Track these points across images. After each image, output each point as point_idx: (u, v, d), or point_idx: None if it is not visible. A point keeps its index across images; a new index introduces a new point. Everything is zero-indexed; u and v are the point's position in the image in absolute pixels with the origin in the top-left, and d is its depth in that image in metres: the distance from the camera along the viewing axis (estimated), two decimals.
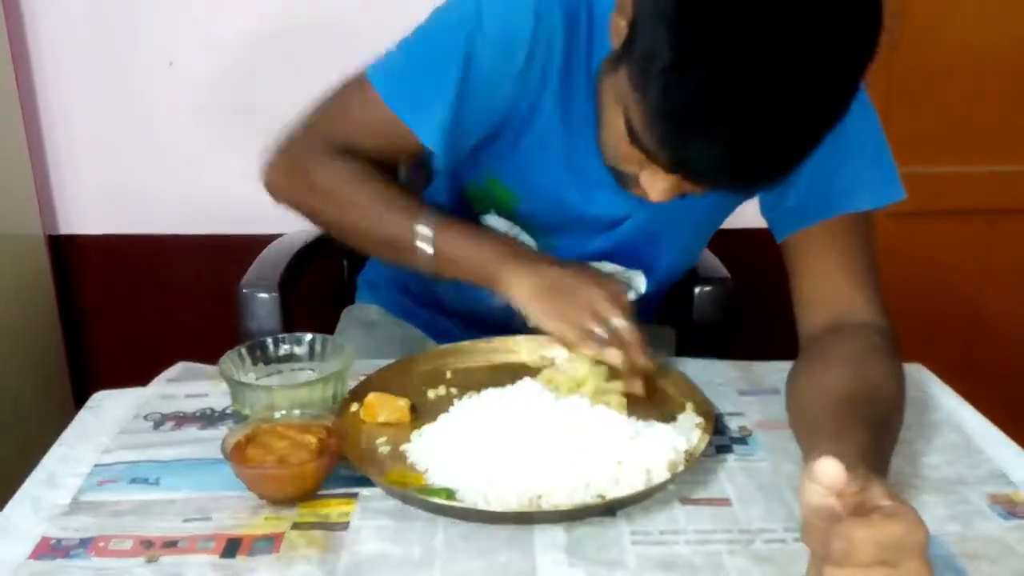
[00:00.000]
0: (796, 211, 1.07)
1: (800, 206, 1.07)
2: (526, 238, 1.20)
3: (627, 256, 1.21)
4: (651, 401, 1.01)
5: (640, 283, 1.23)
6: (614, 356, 0.99)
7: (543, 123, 1.08)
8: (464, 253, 1.06)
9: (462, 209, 1.22)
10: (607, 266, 1.22)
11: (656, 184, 0.93)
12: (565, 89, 1.05)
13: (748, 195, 0.92)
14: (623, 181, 1.01)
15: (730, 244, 1.52)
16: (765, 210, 1.12)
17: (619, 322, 1.00)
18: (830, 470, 0.61)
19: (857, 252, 1.05)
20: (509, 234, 1.20)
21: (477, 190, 1.19)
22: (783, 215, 1.08)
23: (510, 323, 1.30)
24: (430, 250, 1.05)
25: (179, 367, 1.17)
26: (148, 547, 0.81)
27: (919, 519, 0.61)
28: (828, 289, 1.05)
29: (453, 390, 1.06)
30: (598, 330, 1.00)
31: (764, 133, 0.79)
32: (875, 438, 0.82)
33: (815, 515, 0.62)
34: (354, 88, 1.10)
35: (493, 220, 1.20)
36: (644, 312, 1.37)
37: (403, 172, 1.54)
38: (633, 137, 0.88)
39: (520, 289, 1.03)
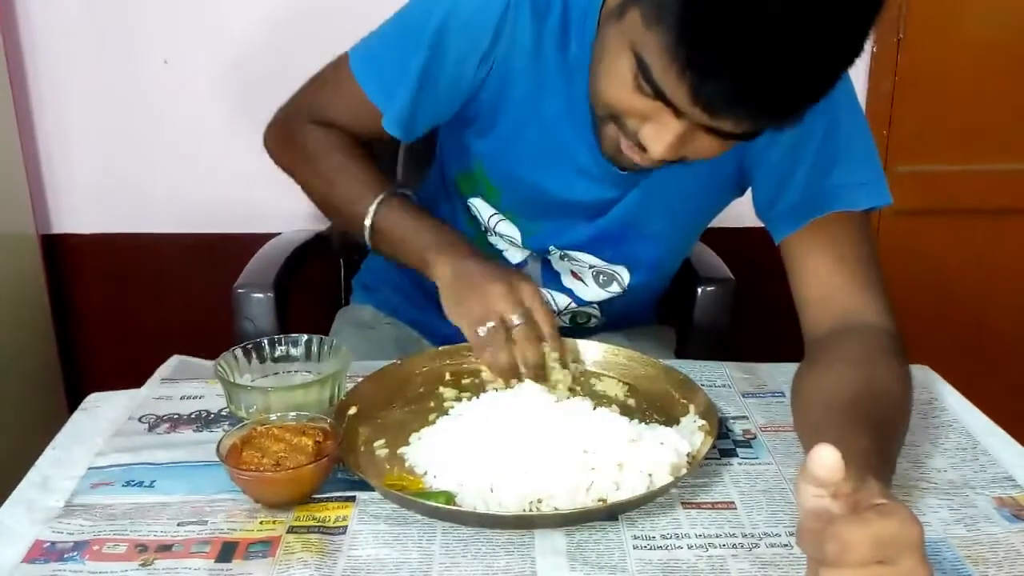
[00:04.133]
0: (791, 211, 1.07)
1: (795, 206, 1.07)
2: (508, 224, 1.21)
3: (609, 248, 1.21)
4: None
5: (624, 277, 1.24)
6: (493, 367, 1.02)
7: (514, 111, 1.10)
8: (400, 234, 1.11)
9: (451, 195, 1.25)
10: (589, 259, 1.22)
11: (662, 135, 0.89)
12: (536, 78, 1.06)
13: (760, 131, 0.88)
14: (614, 147, 0.99)
15: (733, 244, 1.51)
16: (761, 212, 1.12)
17: (514, 319, 1.01)
18: (827, 457, 0.60)
19: (855, 252, 1.05)
20: (492, 219, 1.22)
21: (463, 177, 1.21)
22: (779, 216, 1.08)
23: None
24: (370, 224, 1.12)
25: (174, 361, 1.16)
26: (142, 551, 0.80)
27: (912, 516, 0.60)
28: (829, 291, 1.04)
29: (452, 392, 1.05)
30: (488, 328, 1.02)
31: (789, 50, 0.77)
32: (879, 440, 0.81)
33: (810, 518, 0.62)
34: (337, 65, 1.16)
35: (478, 204, 1.22)
36: (642, 311, 1.38)
37: (400, 164, 1.55)
38: (647, 77, 0.85)
39: (439, 278, 1.08)
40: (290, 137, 1.22)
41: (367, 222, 1.12)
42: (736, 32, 0.76)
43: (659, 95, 0.85)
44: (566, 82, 1.04)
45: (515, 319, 1.01)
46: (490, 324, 1.01)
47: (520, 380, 1.01)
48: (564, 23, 1.04)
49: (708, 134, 0.88)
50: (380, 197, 1.12)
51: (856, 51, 0.82)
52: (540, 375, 1.02)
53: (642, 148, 0.93)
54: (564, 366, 1.04)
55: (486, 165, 1.17)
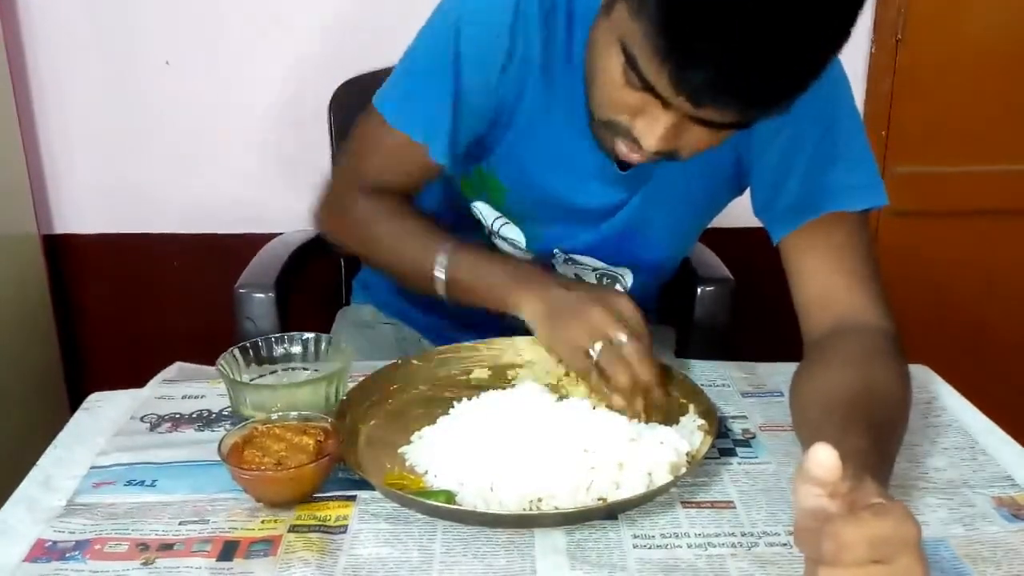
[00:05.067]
0: (789, 211, 1.07)
1: (793, 206, 1.07)
2: (512, 228, 1.21)
3: (613, 251, 1.21)
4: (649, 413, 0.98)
5: (627, 278, 1.25)
6: (616, 401, 0.96)
7: (527, 114, 1.10)
8: (476, 280, 1.08)
9: (454, 197, 1.24)
10: (592, 262, 1.22)
11: (653, 128, 0.89)
12: (546, 80, 1.07)
13: (748, 120, 0.87)
14: (610, 146, 0.98)
15: (732, 244, 1.52)
16: (759, 211, 1.12)
17: (623, 338, 0.97)
18: (824, 457, 0.60)
19: (854, 253, 1.05)
20: (496, 222, 1.21)
21: (468, 179, 1.20)
22: (776, 216, 1.09)
23: (503, 323, 1.31)
24: (444, 278, 1.08)
25: (175, 368, 1.16)
26: (144, 550, 0.80)
27: (909, 514, 0.60)
28: (828, 291, 1.04)
29: (452, 391, 1.05)
30: (595, 352, 0.97)
31: (769, 38, 0.77)
32: (877, 441, 0.81)
33: (808, 517, 0.62)
34: (368, 121, 1.14)
35: (481, 207, 1.21)
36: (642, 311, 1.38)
37: None
38: (633, 67, 0.85)
39: (530, 314, 1.04)
40: (344, 214, 1.20)
41: (440, 276, 1.08)
42: (715, 20, 0.76)
43: (645, 86, 0.85)
44: (572, 85, 1.04)
45: (623, 337, 0.96)
46: (599, 345, 0.97)
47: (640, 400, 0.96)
48: (569, 26, 1.04)
49: (699, 125, 0.87)
50: (447, 249, 1.08)
51: (840, 39, 0.81)
52: (647, 397, 0.97)
53: (637, 144, 0.93)
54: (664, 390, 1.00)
55: (497, 165, 1.16)
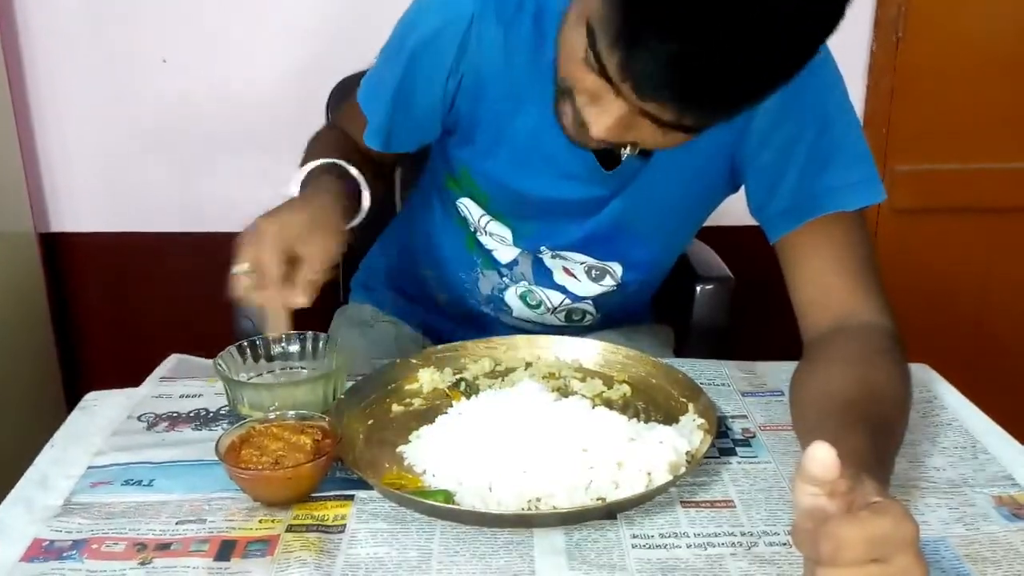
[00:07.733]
0: (785, 212, 1.07)
1: (789, 208, 1.06)
2: (498, 224, 1.22)
3: (601, 247, 1.21)
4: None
5: (617, 271, 1.24)
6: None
7: (491, 120, 1.10)
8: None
9: (442, 194, 1.26)
10: (580, 257, 1.22)
11: (603, 116, 0.88)
12: (510, 86, 1.07)
13: (690, 124, 0.84)
14: (565, 124, 0.97)
15: (731, 242, 1.51)
16: (755, 212, 1.11)
17: (240, 268, 1.00)
18: (822, 455, 0.60)
19: (852, 252, 1.04)
20: (483, 219, 1.22)
21: (451, 179, 1.22)
22: (773, 217, 1.08)
23: (503, 322, 1.31)
24: (286, 193, 1.09)
25: (173, 360, 1.16)
26: (141, 549, 0.80)
27: (907, 514, 0.60)
28: (827, 291, 1.04)
29: (451, 391, 1.05)
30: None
31: (716, 41, 0.75)
32: (876, 440, 0.81)
33: (806, 517, 0.62)
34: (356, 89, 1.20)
35: (467, 203, 1.22)
36: (638, 308, 1.38)
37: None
38: (592, 46, 0.83)
39: None
40: None
41: (285, 192, 1.09)
42: (670, 13, 0.75)
43: (600, 68, 0.83)
44: (543, 86, 1.03)
45: (241, 267, 1.00)
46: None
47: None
48: (537, 28, 1.04)
49: (648, 121, 0.85)
50: (305, 168, 1.10)
51: (797, 64, 0.79)
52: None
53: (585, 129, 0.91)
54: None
55: (471, 172, 1.18)
